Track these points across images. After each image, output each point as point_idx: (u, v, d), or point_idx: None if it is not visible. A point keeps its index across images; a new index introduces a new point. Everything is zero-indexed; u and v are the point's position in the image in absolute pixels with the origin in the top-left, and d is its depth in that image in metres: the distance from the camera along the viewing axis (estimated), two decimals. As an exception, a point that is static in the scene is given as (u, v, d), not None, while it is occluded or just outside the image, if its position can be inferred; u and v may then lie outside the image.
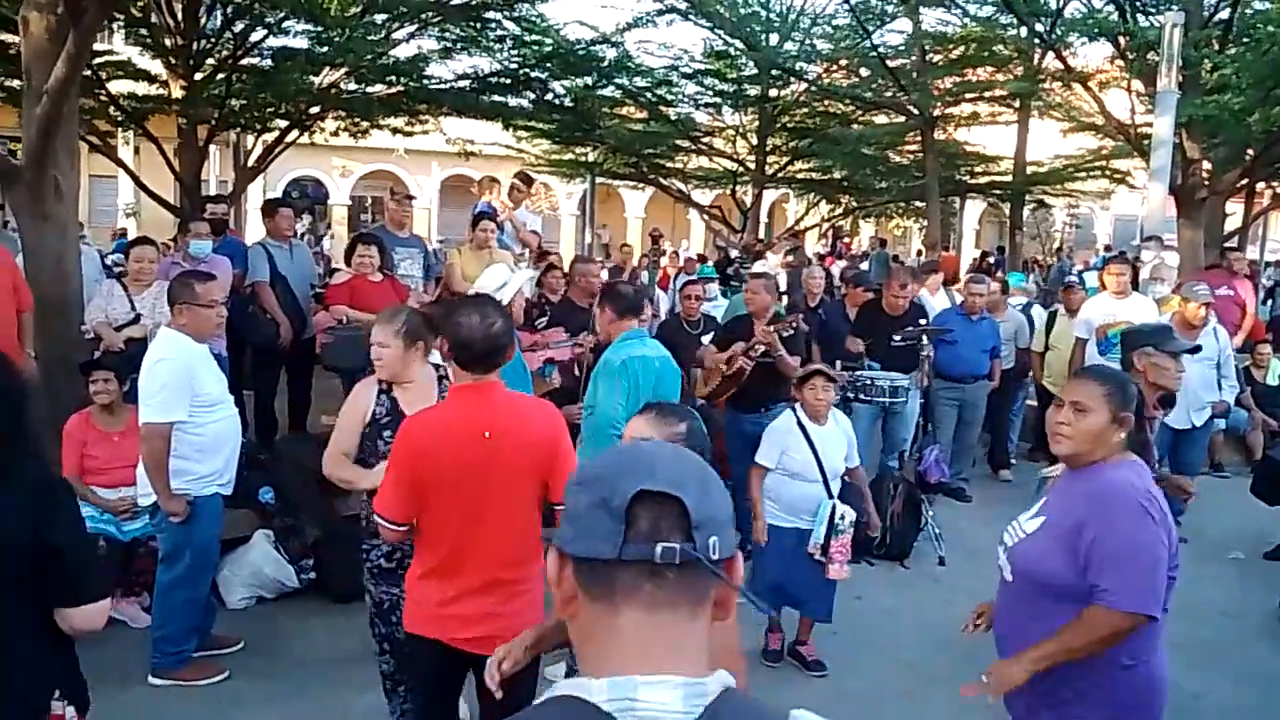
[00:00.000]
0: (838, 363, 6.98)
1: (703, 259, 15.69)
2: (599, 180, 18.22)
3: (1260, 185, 16.78)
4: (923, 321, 7.16)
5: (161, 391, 4.25)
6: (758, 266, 8.72)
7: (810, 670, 4.93)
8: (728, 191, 17.89)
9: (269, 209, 7.23)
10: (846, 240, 23.16)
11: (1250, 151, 12.44)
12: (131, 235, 11.11)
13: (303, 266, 7.23)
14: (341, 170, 26.06)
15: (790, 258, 12.86)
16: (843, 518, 4.73)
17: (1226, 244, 13.11)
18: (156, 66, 10.58)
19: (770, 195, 20.43)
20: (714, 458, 7.35)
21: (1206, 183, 12.19)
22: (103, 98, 10.36)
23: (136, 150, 15.23)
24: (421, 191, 25.50)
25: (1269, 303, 17.04)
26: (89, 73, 9.10)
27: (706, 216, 18.98)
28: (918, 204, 18.33)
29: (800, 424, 4.86)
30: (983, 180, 18.13)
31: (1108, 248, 20.37)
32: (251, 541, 5.51)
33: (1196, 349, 4.73)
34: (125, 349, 5.63)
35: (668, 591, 1.12)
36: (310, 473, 5.82)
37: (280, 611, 5.36)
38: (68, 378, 5.62)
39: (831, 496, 4.79)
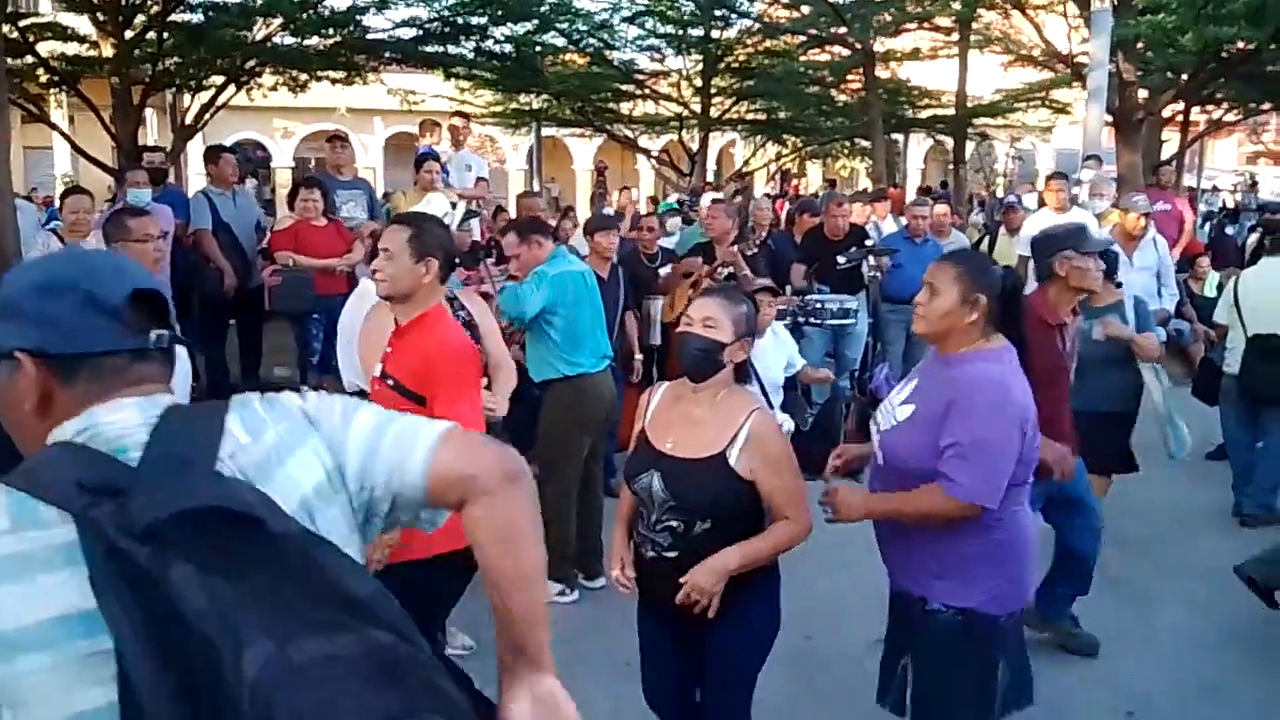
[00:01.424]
0: (788, 288, 7.07)
1: (654, 202, 15.69)
2: (545, 131, 18.08)
3: (1195, 112, 17.08)
4: (868, 243, 7.25)
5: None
6: (707, 197, 8.74)
7: None
8: (676, 138, 17.87)
9: (211, 155, 7.13)
10: (795, 183, 23.24)
11: (1184, 76, 12.66)
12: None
13: (246, 214, 7.16)
14: (283, 132, 25.63)
15: (738, 198, 12.95)
16: (780, 426, 4.81)
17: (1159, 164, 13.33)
18: (86, 25, 10.32)
19: (718, 140, 20.45)
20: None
21: (1143, 105, 12.38)
22: (31, 60, 10.10)
23: (71, 119, 14.89)
24: (366, 151, 25.16)
25: (1205, 227, 17.39)
26: (16, 35, 8.88)
27: (655, 163, 18.95)
28: (863, 143, 18.42)
29: None
30: (925, 115, 18.25)
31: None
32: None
33: (1111, 244, 4.82)
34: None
35: (151, 369, 1.28)
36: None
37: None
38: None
39: (771, 407, 4.86)
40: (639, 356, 6.56)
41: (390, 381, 2.96)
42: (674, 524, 2.61)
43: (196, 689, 1.05)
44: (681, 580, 2.60)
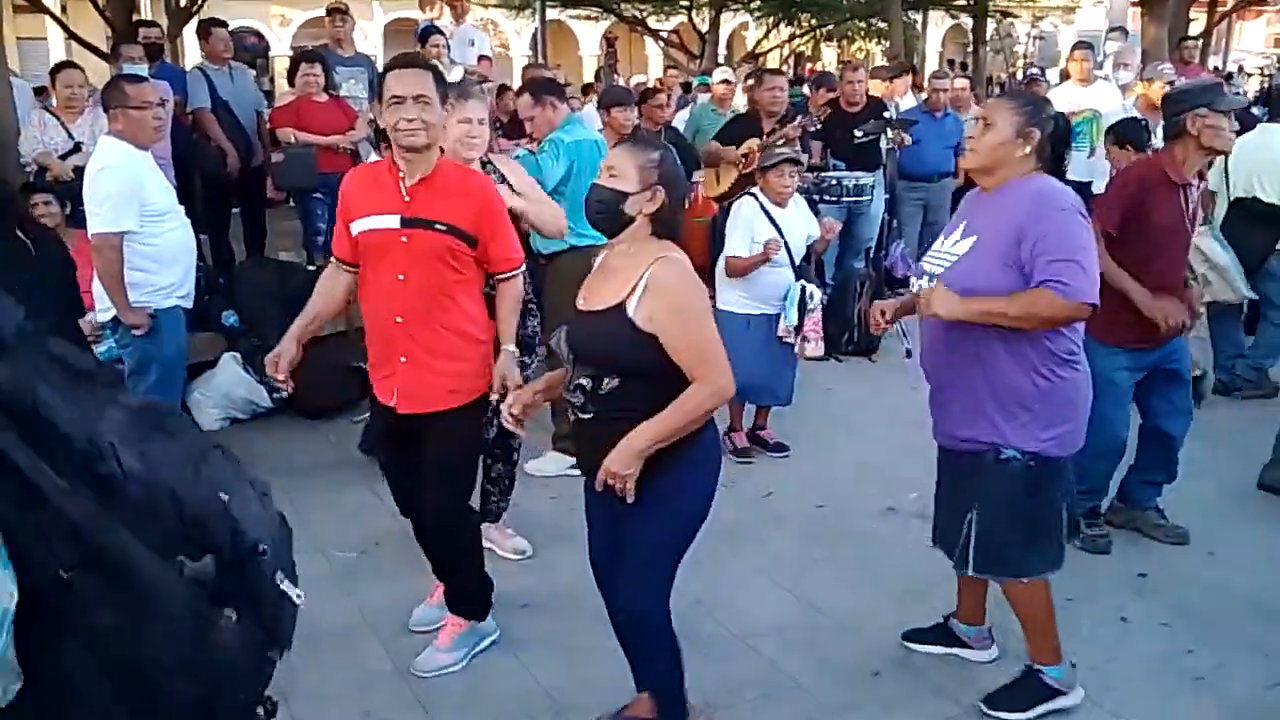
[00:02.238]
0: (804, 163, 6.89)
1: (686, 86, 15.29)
2: (549, 14, 17.55)
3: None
4: (886, 115, 7.04)
5: (107, 200, 4.10)
6: (719, 73, 8.45)
7: (774, 453, 5.02)
8: (686, 19, 17.36)
9: (203, 30, 6.88)
10: (809, 66, 22.65)
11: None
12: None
13: (245, 93, 6.95)
14: (280, 19, 25.01)
15: (750, 81, 12.57)
16: (811, 296, 4.77)
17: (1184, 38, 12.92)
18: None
19: (729, 22, 19.86)
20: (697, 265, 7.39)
21: (1171, -23, 11.93)
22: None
23: (64, 7, 14.56)
24: (366, 37, 24.52)
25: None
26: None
27: (663, 44, 18.44)
28: (880, 24, 17.88)
29: (764, 209, 4.82)
30: (945, -8, 17.68)
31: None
32: (219, 364, 5.47)
33: (1250, 106, 4.60)
34: (74, 178, 5.43)
35: None
36: (273, 295, 5.78)
37: (254, 430, 5.37)
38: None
39: (799, 277, 4.80)
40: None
41: (441, 227, 2.97)
42: (584, 382, 2.47)
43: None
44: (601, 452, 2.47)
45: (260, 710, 1.58)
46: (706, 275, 6.59)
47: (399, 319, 2.99)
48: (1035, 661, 2.98)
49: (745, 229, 4.83)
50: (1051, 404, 2.76)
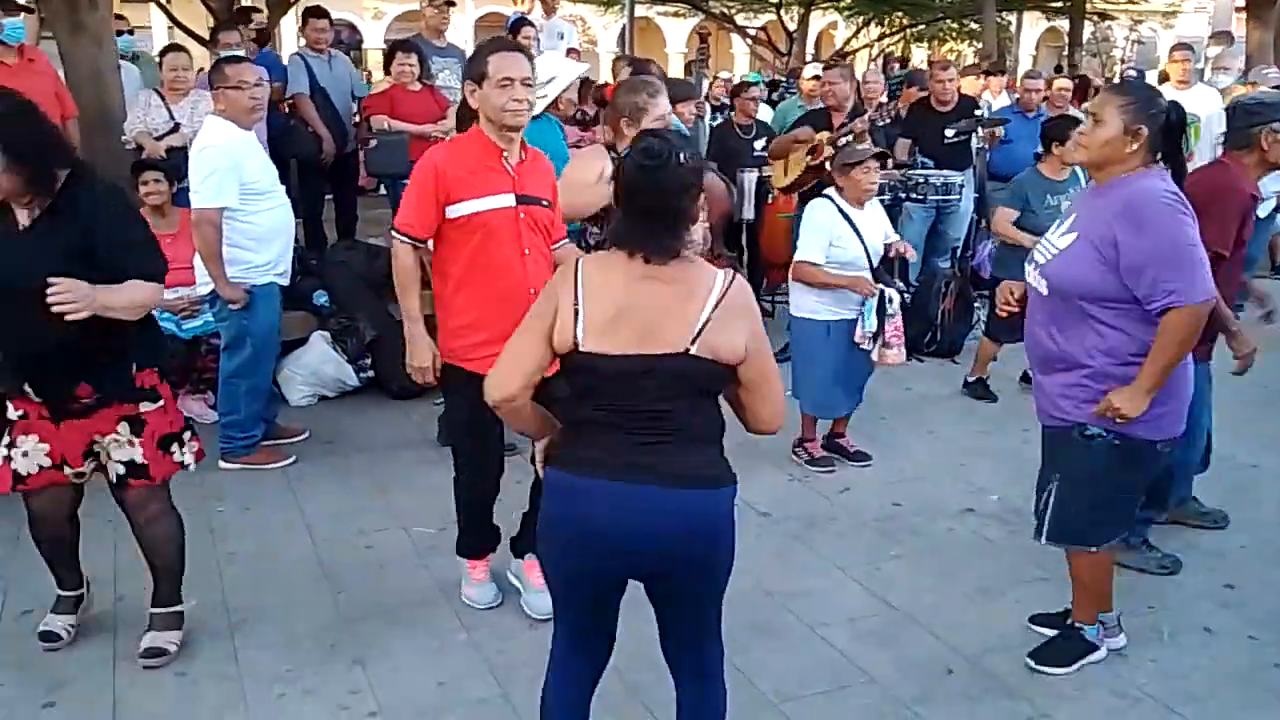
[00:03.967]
0: (889, 162, 6.79)
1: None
2: (638, 10, 17.60)
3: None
4: (977, 113, 6.92)
5: (210, 177, 4.26)
6: (811, 69, 8.40)
7: (854, 461, 4.80)
8: (775, 17, 17.26)
9: (305, 17, 7.06)
10: (898, 67, 22.37)
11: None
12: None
13: (342, 79, 7.11)
14: (374, 13, 25.52)
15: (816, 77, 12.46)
16: (890, 300, 4.58)
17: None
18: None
19: (818, 21, 19.70)
20: (768, 263, 7.26)
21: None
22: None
23: (169, -1, 15.05)
24: (457, 31, 24.89)
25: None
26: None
27: (750, 41, 18.37)
28: (973, 24, 17.57)
29: (841, 211, 4.61)
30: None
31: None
32: (309, 343, 5.62)
33: None
34: (167, 158, 5.64)
35: None
36: (363, 276, 5.93)
37: (340, 408, 5.51)
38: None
39: (877, 281, 4.65)
40: (707, 224, 6.39)
41: (544, 203, 3.25)
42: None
43: None
44: None
45: None
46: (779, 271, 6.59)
47: (532, 290, 2.99)
48: (1076, 620, 3.17)
49: (822, 234, 4.58)
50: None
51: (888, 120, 6.13)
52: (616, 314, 2.07)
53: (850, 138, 5.73)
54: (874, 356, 4.62)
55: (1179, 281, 2.64)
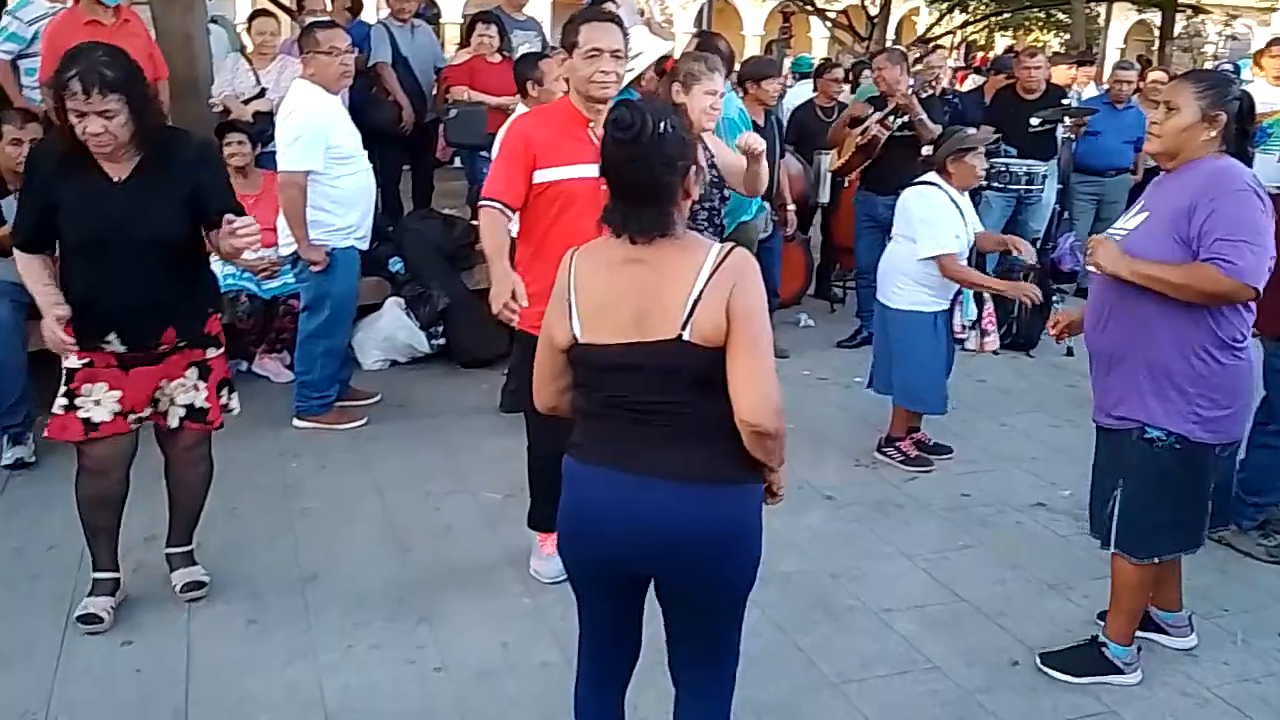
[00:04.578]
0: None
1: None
2: (718, -10, 17.52)
3: None
4: (1065, 102, 6.76)
5: (296, 141, 4.34)
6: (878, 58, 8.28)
7: (936, 454, 4.67)
8: (857, 1, 17.03)
9: (391, -17, 7.11)
10: (981, 56, 21.94)
11: None
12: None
13: (424, 49, 7.15)
14: (454, -13, 25.66)
15: (918, 66, 12.27)
16: None
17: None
18: None
19: (900, 7, 19.40)
20: (837, 249, 7.18)
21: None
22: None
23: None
24: (533, 8, 24.95)
25: None
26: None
27: (831, 25, 18.15)
28: (1060, 15, 17.16)
29: (952, 200, 4.42)
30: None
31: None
32: (383, 309, 5.70)
33: None
34: (253, 122, 5.74)
35: None
36: (437, 246, 5.99)
37: (412, 373, 5.59)
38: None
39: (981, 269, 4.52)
40: (791, 207, 6.36)
41: None
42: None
43: None
44: None
45: None
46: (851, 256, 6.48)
47: None
48: (1105, 634, 3.03)
49: (950, 224, 4.35)
50: (1206, 387, 2.73)
51: (929, 93, 6.11)
52: (604, 302, 1.98)
53: (899, 118, 5.75)
54: (971, 345, 4.51)
55: (1239, 260, 2.56)
